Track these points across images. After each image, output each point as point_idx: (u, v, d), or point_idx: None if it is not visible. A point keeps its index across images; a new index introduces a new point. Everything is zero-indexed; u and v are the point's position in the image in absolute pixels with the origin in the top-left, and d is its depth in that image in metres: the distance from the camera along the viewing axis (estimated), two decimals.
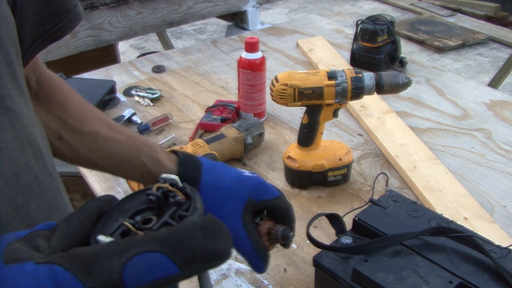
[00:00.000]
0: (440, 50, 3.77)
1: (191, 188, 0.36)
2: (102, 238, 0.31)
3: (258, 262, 0.60)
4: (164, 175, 0.37)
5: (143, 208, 0.35)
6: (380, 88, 0.90)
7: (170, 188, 0.36)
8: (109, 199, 0.37)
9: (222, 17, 2.19)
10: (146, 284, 0.28)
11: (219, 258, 0.30)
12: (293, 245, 0.83)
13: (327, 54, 1.51)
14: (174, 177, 0.37)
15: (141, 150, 0.61)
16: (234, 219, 0.58)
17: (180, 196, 0.35)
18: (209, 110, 1.21)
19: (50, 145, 0.59)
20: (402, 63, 1.44)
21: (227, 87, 1.38)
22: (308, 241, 0.71)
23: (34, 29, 0.56)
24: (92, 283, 0.27)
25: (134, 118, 1.21)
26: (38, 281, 0.27)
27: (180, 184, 0.36)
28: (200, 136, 1.11)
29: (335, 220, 0.72)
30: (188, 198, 0.35)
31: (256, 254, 0.60)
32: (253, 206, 0.60)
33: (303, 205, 0.93)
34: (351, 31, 1.63)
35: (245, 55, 1.14)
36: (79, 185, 1.46)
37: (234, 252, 0.82)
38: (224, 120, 1.16)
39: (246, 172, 0.62)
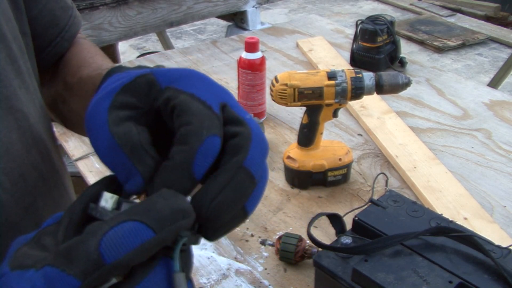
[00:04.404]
0: (440, 50, 3.77)
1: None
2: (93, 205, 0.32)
3: (122, 160, 0.34)
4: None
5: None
6: (380, 88, 0.90)
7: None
8: (108, 182, 0.35)
9: (222, 17, 2.19)
10: (126, 255, 0.28)
11: (187, 215, 0.30)
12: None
13: (327, 54, 1.51)
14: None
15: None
16: (106, 97, 0.36)
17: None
18: None
19: (59, 115, 0.58)
20: (402, 63, 1.44)
21: (227, 87, 1.36)
22: (308, 241, 0.71)
23: (49, 29, 0.56)
24: (75, 269, 0.27)
25: None
26: (33, 285, 0.27)
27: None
28: None
29: (335, 220, 0.72)
30: None
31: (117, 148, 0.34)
32: (152, 89, 0.36)
33: (303, 205, 0.93)
34: (351, 31, 1.63)
35: (245, 55, 1.14)
36: (79, 185, 1.46)
37: (234, 252, 0.82)
38: None
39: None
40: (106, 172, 0.35)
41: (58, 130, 1.16)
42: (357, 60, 1.43)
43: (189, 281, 0.32)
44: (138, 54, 3.50)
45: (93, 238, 0.28)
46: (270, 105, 1.21)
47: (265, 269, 0.79)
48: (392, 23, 1.41)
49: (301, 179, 0.97)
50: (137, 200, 0.34)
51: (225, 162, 0.33)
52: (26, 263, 0.29)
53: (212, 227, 0.33)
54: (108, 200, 0.32)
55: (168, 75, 0.37)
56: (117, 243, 0.28)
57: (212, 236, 0.34)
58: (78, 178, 1.09)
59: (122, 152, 0.33)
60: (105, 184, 0.35)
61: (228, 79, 1.41)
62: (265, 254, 0.82)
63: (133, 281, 0.29)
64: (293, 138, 1.13)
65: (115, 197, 0.33)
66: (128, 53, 3.88)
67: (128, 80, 0.37)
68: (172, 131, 0.36)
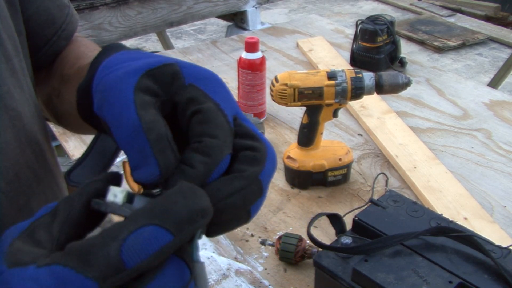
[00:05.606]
0: (440, 50, 3.77)
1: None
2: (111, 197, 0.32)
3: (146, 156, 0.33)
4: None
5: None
6: (380, 88, 0.90)
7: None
8: (111, 178, 0.35)
9: (222, 17, 2.19)
10: (145, 259, 0.28)
11: (205, 214, 0.30)
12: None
13: (327, 54, 1.51)
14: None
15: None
16: (132, 75, 0.36)
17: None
18: None
19: (53, 111, 0.58)
20: (402, 63, 1.44)
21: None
22: (308, 241, 0.71)
23: (45, 28, 0.56)
24: (94, 272, 0.27)
25: None
26: (41, 284, 0.27)
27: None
28: None
29: (335, 220, 0.72)
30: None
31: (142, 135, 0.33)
32: (175, 81, 0.37)
33: (303, 205, 0.93)
34: (351, 31, 1.63)
35: (245, 55, 1.14)
36: None
37: (234, 252, 0.82)
38: None
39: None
40: None
41: (58, 130, 1.16)
42: (357, 60, 1.43)
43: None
44: None
45: (114, 243, 0.28)
46: (270, 105, 1.21)
47: (265, 269, 0.79)
48: (392, 23, 1.41)
49: (301, 179, 0.97)
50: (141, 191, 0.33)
51: (243, 170, 0.34)
52: (24, 259, 0.28)
53: (212, 223, 0.33)
54: (117, 194, 0.32)
55: (193, 72, 0.37)
56: (138, 249, 0.28)
57: (212, 232, 0.34)
58: None
59: (145, 138, 0.33)
60: (107, 180, 0.34)
61: (228, 79, 1.41)
62: (265, 254, 0.82)
63: (142, 282, 0.29)
64: (293, 138, 1.13)
65: (125, 191, 0.32)
66: None
67: (154, 65, 0.37)
68: (181, 128, 0.36)
